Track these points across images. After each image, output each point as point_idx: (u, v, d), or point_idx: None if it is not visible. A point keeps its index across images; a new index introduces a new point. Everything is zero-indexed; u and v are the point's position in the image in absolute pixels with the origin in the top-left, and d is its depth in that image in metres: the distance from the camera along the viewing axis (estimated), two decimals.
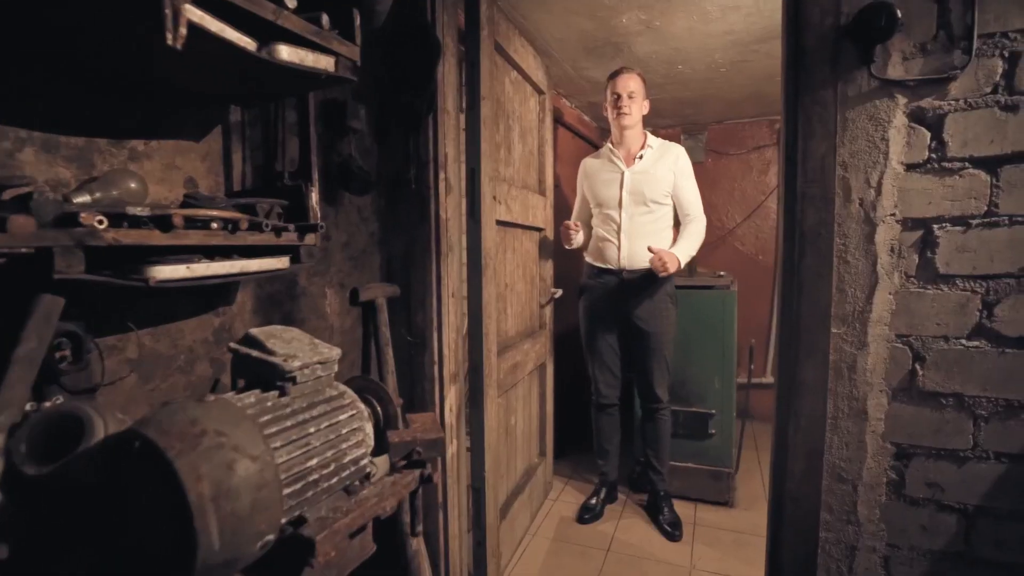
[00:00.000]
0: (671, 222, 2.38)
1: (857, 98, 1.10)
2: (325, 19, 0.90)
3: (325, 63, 0.91)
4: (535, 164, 2.34)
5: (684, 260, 2.26)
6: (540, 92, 2.33)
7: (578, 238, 2.42)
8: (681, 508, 2.58)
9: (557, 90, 3.05)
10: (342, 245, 1.44)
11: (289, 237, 1.02)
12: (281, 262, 1.01)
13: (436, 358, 1.59)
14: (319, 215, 1.09)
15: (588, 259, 2.51)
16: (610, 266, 2.37)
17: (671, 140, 4.04)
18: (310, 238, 1.06)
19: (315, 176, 1.08)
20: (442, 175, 1.56)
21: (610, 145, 2.42)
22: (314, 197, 1.08)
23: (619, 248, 2.34)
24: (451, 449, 1.66)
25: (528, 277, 2.28)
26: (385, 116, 1.54)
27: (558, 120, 3.07)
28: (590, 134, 3.60)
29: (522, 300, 2.22)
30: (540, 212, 2.32)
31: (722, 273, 2.89)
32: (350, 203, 1.46)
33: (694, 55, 2.49)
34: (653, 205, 2.31)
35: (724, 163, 3.87)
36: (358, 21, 0.98)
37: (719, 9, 2.02)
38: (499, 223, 1.87)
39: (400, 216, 1.58)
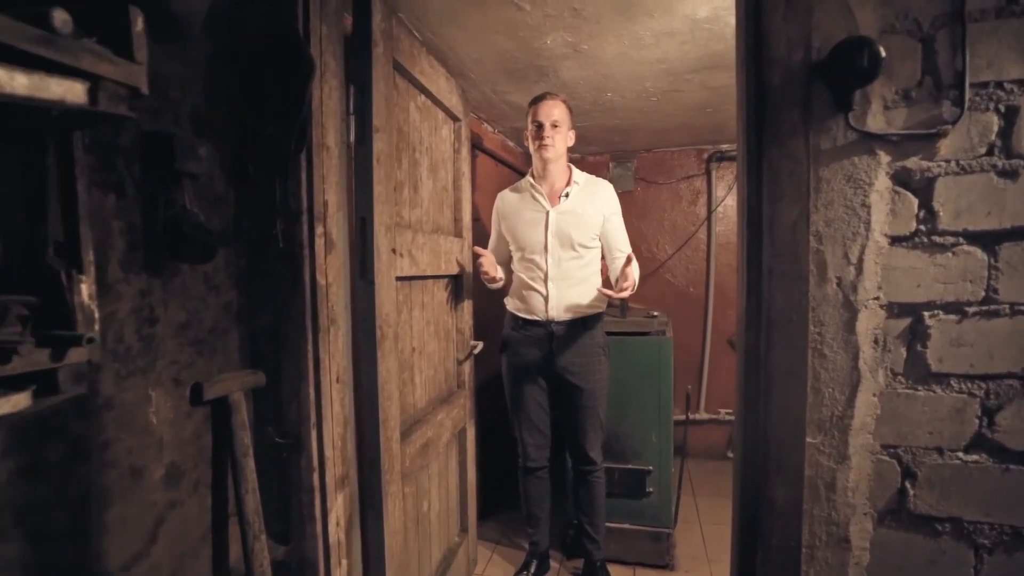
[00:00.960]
0: (599, 266, 2.15)
1: (833, 153, 0.88)
2: (60, 18, 0.54)
3: (63, 91, 0.55)
4: (449, 201, 2.03)
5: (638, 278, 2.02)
6: (455, 119, 2.03)
7: (499, 276, 2.14)
8: (619, 573, 2.34)
9: (477, 115, 2.77)
10: (178, 328, 1.06)
11: (35, 359, 0.65)
12: (15, 402, 0.64)
13: (316, 462, 1.23)
14: (96, 313, 0.72)
15: (511, 308, 2.22)
16: (536, 317, 2.10)
17: (599, 167, 3.89)
18: (76, 354, 0.69)
19: (87, 255, 0.71)
20: (320, 229, 1.21)
21: (531, 179, 2.15)
22: (85, 289, 0.71)
23: (546, 297, 2.07)
24: (339, 573, 1.30)
25: (442, 332, 1.95)
26: (244, 155, 1.18)
27: (478, 147, 2.79)
28: (514, 161, 3.35)
29: (435, 362, 1.89)
30: (456, 256, 2.01)
31: (655, 313, 2.69)
32: (191, 270, 1.09)
33: (624, 82, 2.29)
34: (581, 249, 2.06)
35: (654, 192, 3.74)
36: (139, 25, 0.63)
37: (652, 35, 1.82)
38: (401, 279, 1.54)
39: (266, 283, 1.22)
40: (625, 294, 1.92)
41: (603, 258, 2.18)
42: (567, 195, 2.09)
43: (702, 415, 3.69)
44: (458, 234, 2.08)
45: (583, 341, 2.08)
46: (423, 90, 1.72)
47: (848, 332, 0.89)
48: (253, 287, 1.22)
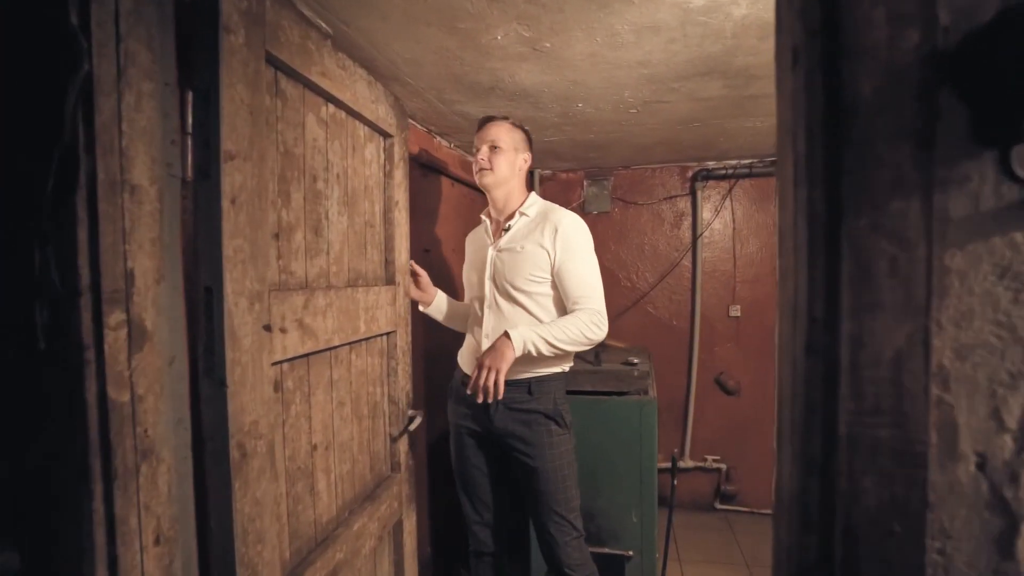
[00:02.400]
0: (553, 316, 1.72)
1: (975, 225, 0.47)
2: None
3: None
4: (376, 240, 1.59)
5: (524, 347, 1.56)
6: (384, 134, 1.60)
7: (427, 296, 1.85)
8: None
9: (427, 127, 2.34)
10: None
11: None
12: None
13: None
14: None
15: (458, 359, 1.90)
16: (472, 374, 1.71)
17: (572, 185, 3.47)
18: None
19: None
20: (117, 315, 0.76)
21: (484, 214, 1.87)
22: None
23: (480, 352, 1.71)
24: None
25: (366, 409, 1.51)
26: None
27: (429, 165, 2.35)
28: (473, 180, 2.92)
29: (353, 451, 1.44)
30: (387, 310, 1.57)
31: (635, 360, 2.28)
32: None
33: (598, 91, 1.89)
34: (519, 295, 1.68)
35: (633, 213, 3.35)
36: None
37: (632, 30, 1.41)
38: (288, 361, 1.10)
39: (28, 406, 0.77)
40: (482, 377, 1.56)
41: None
42: (507, 228, 1.74)
43: (687, 463, 3.29)
44: (390, 281, 1.64)
45: (527, 408, 1.69)
46: (330, 99, 1.29)
47: (1002, 555, 0.48)
48: (6, 414, 0.77)
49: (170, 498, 0.86)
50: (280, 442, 1.09)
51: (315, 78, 1.20)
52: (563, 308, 1.71)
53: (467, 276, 1.88)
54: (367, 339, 1.50)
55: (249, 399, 0.97)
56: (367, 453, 1.54)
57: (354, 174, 1.45)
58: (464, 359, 1.85)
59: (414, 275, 1.78)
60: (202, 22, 0.90)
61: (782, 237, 0.56)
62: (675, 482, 2.18)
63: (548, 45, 1.51)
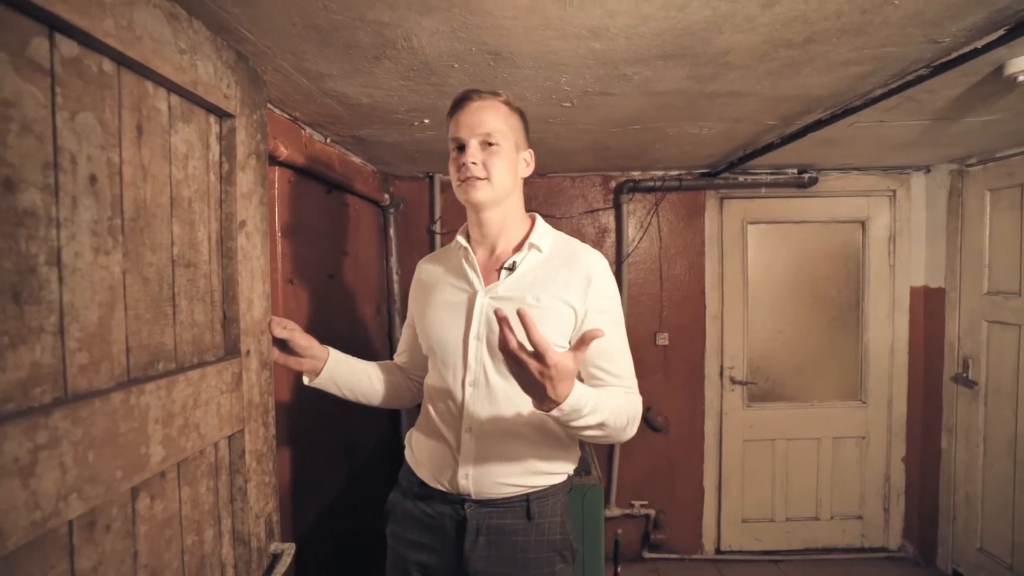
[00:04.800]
0: None
1: None
2: None
3: None
4: (202, 287, 0.95)
5: (578, 403, 0.94)
6: (220, 112, 0.97)
7: (310, 363, 1.19)
8: None
9: (290, 114, 1.71)
10: None
11: None
12: None
13: None
14: None
15: (407, 455, 1.29)
16: (440, 486, 1.17)
17: None
18: None
19: None
20: None
21: (463, 239, 1.23)
22: None
23: (457, 453, 1.15)
24: None
25: (194, 564, 0.87)
26: None
27: (293, 167, 1.72)
28: (364, 187, 2.30)
29: None
30: (224, 401, 0.94)
31: None
32: None
33: (527, 72, 1.39)
34: None
35: None
36: None
37: None
38: None
39: None
40: (520, 352, 0.90)
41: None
42: (512, 265, 1.16)
43: (613, 511, 2.90)
44: (231, 351, 1.02)
45: (526, 541, 1.14)
46: (59, 26, 0.66)
47: None
48: None
49: None
50: None
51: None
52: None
53: (429, 326, 1.21)
54: (181, 462, 0.86)
55: None
56: None
57: (145, 177, 0.81)
58: (423, 461, 1.21)
59: (280, 341, 1.12)
60: None
61: None
62: (618, 569, 1.74)
63: None
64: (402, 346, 1.40)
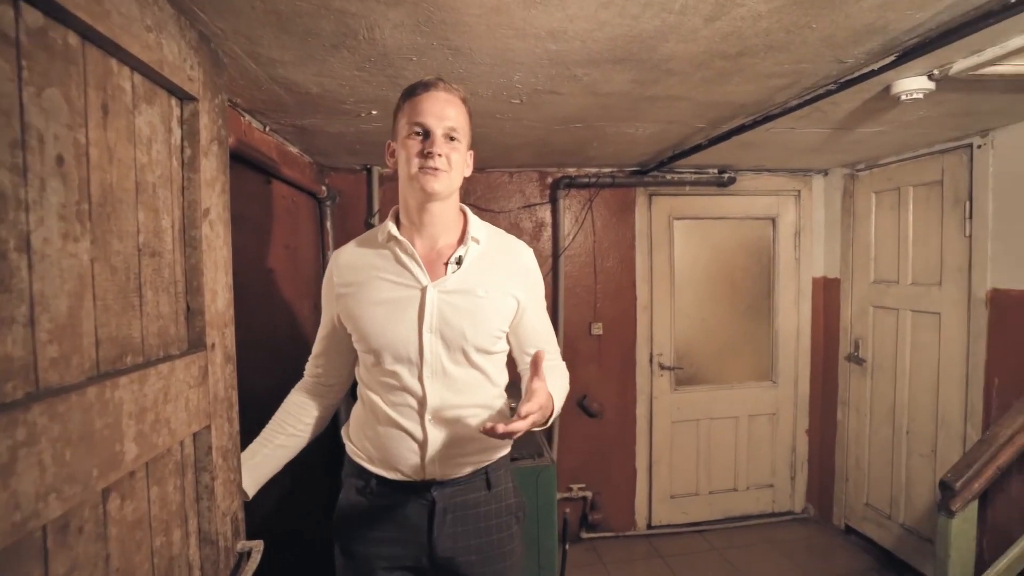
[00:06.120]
0: (505, 380, 1.27)
1: None
2: None
3: None
4: (166, 277, 0.90)
5: (559, 405, 1.19)
6: (183, 95, 0.93)
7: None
8: None
9: (232, 100, 1.64)
10: None
11: None
12: None
13: None
14: None
15: (353, 457, 1.25)
16: (403, 476, 1.18)
17: None
18: None
19: None
20: None
21: (393, 227, 1.19)
22: None
23: (423, 443, 1.16)
24: None
25: (163, 566, 0.84)
26: None
27: (235, 155, 1.65)
28: (301, 178, 2.24)
29: None
30: (192, 395, 0.90)
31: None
32: None
33: (483, 68, 1.43)
34: (480, 357, 1.18)
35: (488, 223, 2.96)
36: None
37: None
38: None
39: None
40: (521, 426, 0.99)
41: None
42: (459, 261, 1.17)
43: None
44: (196, 344, 0.98)
45: (488, 510, 1.21)
46: None
47: None
48: None
49: None
50: None
51: None
52: (512, 367, 1.30)
53: (368, 324, 1.16)
54: (150, 461, 0.83)
55: None
56: None
57: (111, 160, 0.77)
58: (372, 450, 1.20)
59: None
60: None
61: None
62: (567, 547, 1.84)
63: None
64: (319, 352, 1.31)
